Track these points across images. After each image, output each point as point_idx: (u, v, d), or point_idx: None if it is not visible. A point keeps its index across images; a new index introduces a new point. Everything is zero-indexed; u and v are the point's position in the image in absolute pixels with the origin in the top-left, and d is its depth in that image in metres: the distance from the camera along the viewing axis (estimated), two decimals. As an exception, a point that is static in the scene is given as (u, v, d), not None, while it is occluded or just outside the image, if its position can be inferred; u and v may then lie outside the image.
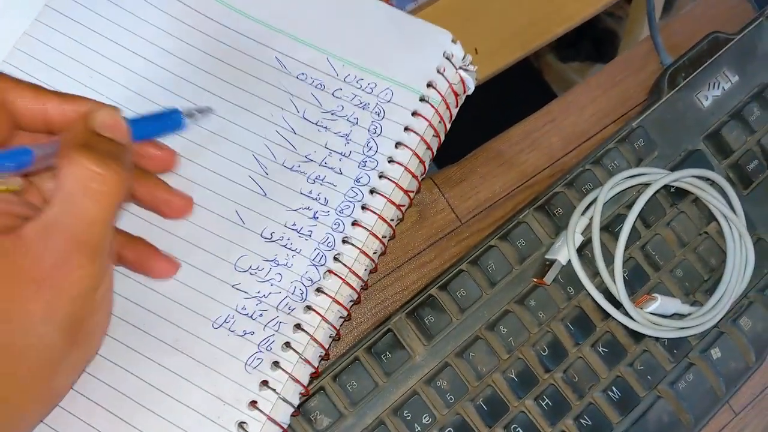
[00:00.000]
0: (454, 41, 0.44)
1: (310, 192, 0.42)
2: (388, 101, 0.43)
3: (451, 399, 0.41)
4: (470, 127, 0.49)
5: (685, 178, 0.47)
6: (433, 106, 0.43)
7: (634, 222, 0.45)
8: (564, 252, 0.44)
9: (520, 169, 0.48)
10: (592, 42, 0.97)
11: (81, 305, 0.32)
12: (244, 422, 0.37)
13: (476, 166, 0.48)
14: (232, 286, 0.40)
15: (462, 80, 0.45)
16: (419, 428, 0.41)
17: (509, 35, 0.54)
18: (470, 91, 0.45)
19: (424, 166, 0.44)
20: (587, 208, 0.45)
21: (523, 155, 0.49)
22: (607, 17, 0.92)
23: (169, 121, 0.38)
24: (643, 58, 0.53)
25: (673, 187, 0.47)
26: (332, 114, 0.43)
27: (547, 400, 0.43)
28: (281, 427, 0.38)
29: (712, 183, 0.48)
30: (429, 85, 0.43)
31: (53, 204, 0.31)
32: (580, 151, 0.50)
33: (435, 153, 0.44)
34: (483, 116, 0.56)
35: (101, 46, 0.43)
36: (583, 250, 0.45)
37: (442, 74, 0.44)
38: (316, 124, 0.43)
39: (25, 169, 0.31)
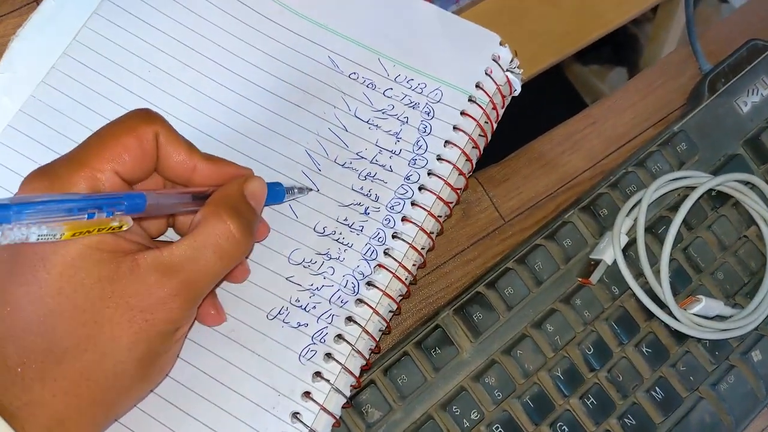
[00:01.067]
0: (502, 44, 0.45)
1: (362, 188, 0.43)
2: (438, 101, 0.44)
3: (498, 396, 0.42)
4: (503, 125, 0.50)
5: (727, 182, 0.48)
6: (481, 107, 0.44)
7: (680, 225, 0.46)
8: (609, 252, 0.45)
9: (562, 170, 0.49)
10: (612, 47, 0.99)
11: (161, 343, 0.33)
12: (298, 413, 0.38)
13: (519, 167, 0.49)
14: (286, 279, 0.41)
15: (509, 82, 0.46)
16: (468, 424, 0.42)
17: (547, 40, 0.55)
18: (516, 93, 0.46)
19: (472, 164, 0.45)
20: (632, 209, 0.46)
21: (564, 156, 0.50)
22: (630, 23, 0.94)
23: (272, 192, 0.39)
24: (680, 65, 0.55)
25: (714, 190, 0.48)
26: (383, 112, 0.44)
27: (592, 399, 0.43)
28: (334, 417, 0.39)
29: (753, 187, 0.49)
30: (477, 86, 0.45)
31: (181, 246, 0.33)
32: (620, 154, 0.51)
33: (482, 152, 0.45)
34: (513, 114, 0.57)
35: (160, 40, 0.44)
36: (627, 250, 0.46)
37: (490, 76, 0.45)
38: (367, 122, 0.44)
39: (136, 214, 0.32)
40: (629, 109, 0.52)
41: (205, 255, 0.33)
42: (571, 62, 0.97)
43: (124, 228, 0.31)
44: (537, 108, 0.62)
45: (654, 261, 0.46)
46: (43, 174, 0.31)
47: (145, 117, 0.34)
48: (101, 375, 0.32)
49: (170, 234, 0.39)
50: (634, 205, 0.46)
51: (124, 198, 0.31)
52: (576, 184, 0.49)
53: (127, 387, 0.33)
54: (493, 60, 0.45)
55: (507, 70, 0.45)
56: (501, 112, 0.46)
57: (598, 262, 0.45)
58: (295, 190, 0.41)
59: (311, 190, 0.42)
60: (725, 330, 0.45)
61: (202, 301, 0.38)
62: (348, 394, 0.40)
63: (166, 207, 0.34)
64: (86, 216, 0.30)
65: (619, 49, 0.98)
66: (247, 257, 0.41)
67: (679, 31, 0.78)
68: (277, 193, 0.40)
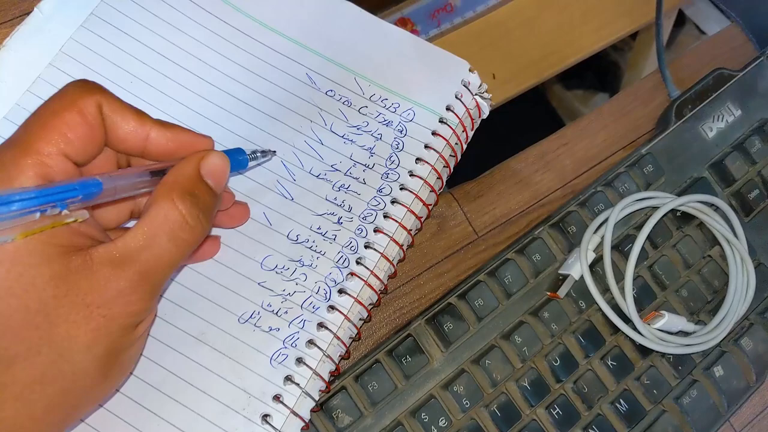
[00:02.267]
0: (471, 70, 0.48)
1: (335, 199, 0.45)
2: (410, 120, 0.47)
3: (466, 404, 0.44)
4: (483, 144, 0.52)
5: (691, 203, 0.50)
6: (451, 128, 0.46)
7: (644, 242, 0.48)
8: (577, 268, 0.47)
9: (534, 189, 0.51)
10: (595, 72, 1.02)
11: (122, 338, 0.32)
12: (268, 415, 0.40)
13: (494, 183, 0.51)
14: (258, 284, 0.42)
15: (478, 106, 0.48)
16: (435, 431, 0.43)
17: (526, 63, 0.58)
18: (485, 116, 0.49)
19: (442, 181, 0.47)
20: (599, 227, 0.48)
21: (537, 175, 0.52)
22: (611, 50, 0.97)
23: (234, 161, 0.39)
24: (651, 91, 0.57)
25: (679, 211, 0.51)
26: (358, 128, 0.46)
27: (558, 409, 0.45)
28: (304, 421, 0.40)
29: (716, 209, 0.51)
30: (448, 108, 0.47)
31: (133, 236, 0.31)
32: (591, 175, 0.53)
33: (452, 171, 0.47)
34: (494, 135, 0.59)
35: (142, 53, 0.46)
36: (594, 266, 0.48)
37: (460, 99, 0.47)
38: (342, 136, 0.46)
39: (92, 202, 0.31)
40: (601, 132, 0.55)
41: (159, 243, 0.32)
42: (554, 87, 1.01)
43: (79, 221, 0.30)
44: (520, 131, 0.64)
45: (620, 277, 0.48)
46: None
47: (83, 87, 0.32)
48: (58, 377, 0.30)
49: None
50: (602, 223, 0.49)
51: (77, 186, 0.29)
52: (547, 202, 0.51)
53: (88, 387, 0.32)
54: (463, 85, 0.47)
55: (476, 95, 0.48)
56: (471, 133, 0.48)
57: (566, 277, 0.47)
58: (258, 154, 0.41)
59: (274, 152, 0.44)
60: (688, 345, 0.47)
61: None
62: (317, 398, 0.41)
63: (123, 188, 0.32)
64: (38, 214, 0.28)
65: (601, 74, 1.01)
66: (206, 238, 0.40)
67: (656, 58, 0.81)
68: (239, 161, 0.40)
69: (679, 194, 0.51)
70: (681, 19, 0.91)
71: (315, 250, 0.43)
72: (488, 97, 0.48)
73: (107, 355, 0.32)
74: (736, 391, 0.48)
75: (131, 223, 0.37)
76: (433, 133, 0.46)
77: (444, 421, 0.43)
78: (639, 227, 0.49)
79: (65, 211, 0.29)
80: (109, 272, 0.31)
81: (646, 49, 0.81)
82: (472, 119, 0.48)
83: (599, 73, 1.02)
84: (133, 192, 0.34)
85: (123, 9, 0.46)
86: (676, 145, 0.53)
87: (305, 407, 0.40)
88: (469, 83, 0.48)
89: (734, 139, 0.54)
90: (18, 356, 0.29)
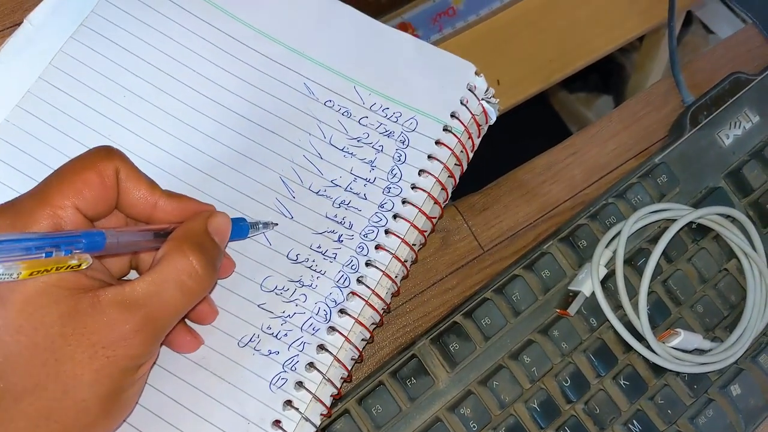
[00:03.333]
0: (477, 73, 0.47)
1: (335, 216, 0.44)
2: (413, 130, 0.46)
3: (474, 427, 0.43)
4: (483, 152, 0.51)
5: (708, 215, 0.49)
6: (456, 136, 0.45)
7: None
8: (588, 284, 0.46)
9: (542, 200, 0.50)
10: (599, 75, 1.01)
11: (123, 379, 0.33)
12: (268, 442, 0.39)
13: (500, 195, 0.50)
14: (258, 306, 0.42)
15: (485, 111, 0.47)
16: (441, 455, 0.42)
17: (532, 68, 0.57)
18: (492, 122, 0.48)
19: (447, 193, 0.46)
20: (611, 241, 0.47)
21: (545, 186, 0.51)
22: (616, 52, 0.96)
23: (237, 227, 0.40)
24: (663, 96, 0.56)
25: (694, 223, 0.50)
26: (358, 141, 0.45)
27: (569, 431, 0.44)
28: (304, 447, 0.39)
29: (733, 220, 0.50)
30: (452, 115, 0.46)
31: (143, 282, 0.33)
32: (601, 185, 0.52)
33: (458, 181, 0.46)
34: (495, 141, 0.58)
35: (135, 65, 0.45)
36: (606, 282, 0.47)
37: (466, 105, 0.46)
38: (342, 150, 0.45)
39: (96, 252, 0.33)
40: (611, 140, 0.53)
41: (168, 290, 0.33)
42: (557, 90, 0.99)
43: (83, 266, 0.32)
44: (521, 137, 0.63)
45: (633, 293, 0.47)
46: (5, 211, 0.32)
47: (105, 153, 0.35)
48: (62, 413, 0.32)
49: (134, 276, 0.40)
50: (614, 237, 0.47)
51: (82, 236, 0.32)
52: (556, 214, 0.50)
53: (90, 425, 0.33)
54: (469, 89, 0.46)
55: (482, 100, 0.47)
56: (477, 141, 0.47)
57: (576, 294, 0.46)
58: (260, 225, 0.42)
59: (276, 224, 0.43)
60: (704, 364, 0.46)
61: (176, 329, 0.39)
62: (318, 423, 0.40)
63: (127, 244, 0.35)
64: (44, 255, 0.30)
65: (606, 77, 1.00)
66: (210, 292, 0.41)
67: (665, 60, 0.80)
68: (241, 228, 0.41)
69: (695, 205, 0.50)
70: (688, 19, 0.90)
71: (315, 270, 0.42)
72: (495, 102, 0.47)
73: (109, 395, 0.33)
74: (754, 410, 0.47)
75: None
76: (437, 143, 0.45)
77: (450, 445, 0.42)
78: (652, 240, 0.48)
79: (69, 255, 0.31)
80: (116, 314, 0.32)
81: (654, 50, 0.80)
82: (478, 126, 0.47)
83: (603, 75, 1.00)
84: (135, 248, 0.36)
85: (114, 19, 0.45)
86: (691, 154, 0.52)
87: (306, 432, 0.40)
88: (474, 87, 0.46)
89: (752, 147, 0.53)
90: (26, 391, 0.31)
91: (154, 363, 0.38)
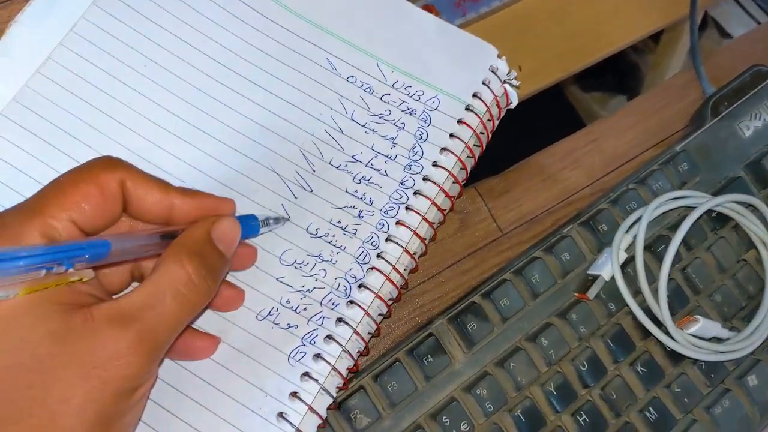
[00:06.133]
0: (499, 56, 0.48)
1: (356, 191, 0.45)
2: (435, 109, 0.47)
3: (489, 408, 0.44)
4: (500, 140, 0.52)
5: (727, 204, 0.50)
6: (477, 116, 0.46)
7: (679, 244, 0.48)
8: (607, 268, 0.47)
9: (561, 186, 0.51)
10: (614, 74, 1.02)
11: (117, 404, 0.31)
12: (284, 413, 0.40)
13: (519, 180, 0.51)
14: (277, 279, 0.42)
15: (506, 93, 0.48)
16: (456, 435, 0.43)
17: (553, 56, 0.58)
18: (513, 105, 0.49)
19: (467, 172, 0.47)
20: (631, 226, 0.48)
21: (565, 172, 0.52)
22: (631, 51, 0.98)
23: (246, 226, 0.40)
24: (682, 88, 0.57)
25: (714, 212, 0.51)
26: (380, 117, 0.46)
27: (584, 416, 0.45)
28: (321, 418, 0.40)
29: (753, 210, 0.51)
30: (474, 95, 0.47)
31: (137, 294, 0.32)
32: (620, 173, 0.53)
33: (477, 161, 0.47)
34: (512, 131, 0.59)
35: (156, 34, 0.46)
36: (625, 267, 0.48)
37: (488, 86, 0.47)
38: (363, 126, 0.46)
39: (100, 262, 0.32)
40: (630, 130, 0.55)
41: (164, 302, 0.32)
42: (572, 88, 1.01)
43: (84, 280, 0.31)
44: (539, 124, 0.64)
45: (652, 279, 0.48)
46: None
47: (107, 164, 0.34)
48: None
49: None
50: (634, 222, 0.49)
51: (86, 246, 0.30)
52: (575, 200, 0.51)
53: None
54: (491, 71, 0.47)
55: (505, 82, 0.48)
56: (497, 122, 0.48)
57: (595, 278, 0.47)
58: (271, 221, 0.42)
59: (287, 219, 0.44)
60: (722, 352, 0.47)
61: (183, 339, 0.38)
62: (335, 395, 0.41)
63: (131, 250, 0.34)
64: (44, 271, 0.28)
65: (621, 77, 1.02)
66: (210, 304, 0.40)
67: (682, 59, 0.81)
68: (251, 227, 0.41)
69: (715, 194, 0.51)
70: (703, 22, 0.92)
71: (335, 245, 0.43)
72: (517, 85, 0.48)
73: (100, 421, 0.31)
74: (770, 402, 0.48)
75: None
76: (459, 122, 0.46)
77: (466, 425, 0.43)
78: (672, 227, 0.49)
79: (71, 270, 0.30)
80: (109, 331, 0.30)
81: (670, 49, 0.81)
82: (499, 107, 0.48)
83: (618, 74, 1.02)
84: (140, 254, 0.35)
85: (138, -12, 0.46)
86: (712, 144, 0.53)
87: (322, 404, 0.41)
88: (497, 69, 0.47)
89: (772, 139, 0.54)
90: (9, 418, 0.29)
91: (152, 385, 0.36)
